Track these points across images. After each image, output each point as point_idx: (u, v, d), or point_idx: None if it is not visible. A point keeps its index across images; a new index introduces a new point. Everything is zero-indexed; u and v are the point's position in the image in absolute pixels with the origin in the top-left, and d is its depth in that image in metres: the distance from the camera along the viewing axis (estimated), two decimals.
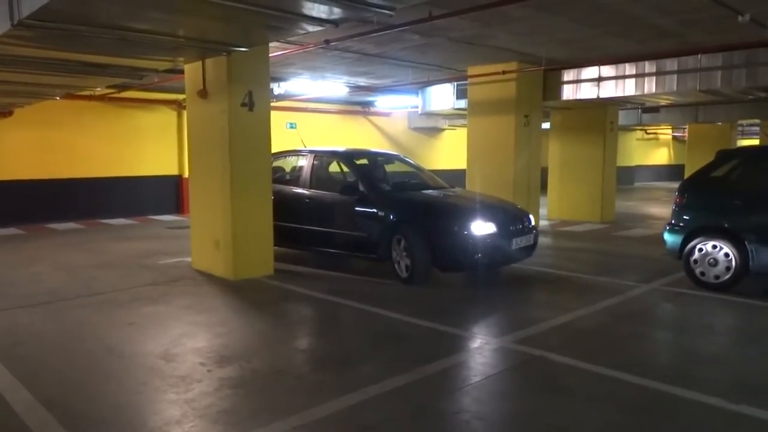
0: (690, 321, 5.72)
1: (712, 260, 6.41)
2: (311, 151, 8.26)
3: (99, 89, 11.61)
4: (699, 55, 9.14)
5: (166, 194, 14.37)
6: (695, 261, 6.53)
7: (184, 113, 10.65)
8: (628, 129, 23.72)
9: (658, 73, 9.81)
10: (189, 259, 7.93)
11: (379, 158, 8.66)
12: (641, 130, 26.12)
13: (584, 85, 10.81)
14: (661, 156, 30.94)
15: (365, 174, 7.67)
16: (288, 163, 9.00)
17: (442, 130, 19.79)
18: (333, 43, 8.06)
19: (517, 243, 6.83)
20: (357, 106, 17.56)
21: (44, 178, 12.48)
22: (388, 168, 8.49)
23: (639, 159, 28.38)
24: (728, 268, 6.30)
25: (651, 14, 7.20)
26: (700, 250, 6.49)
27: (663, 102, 13.49)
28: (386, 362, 4.40)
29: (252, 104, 6.99)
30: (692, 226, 6.63)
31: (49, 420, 3.42)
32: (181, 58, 7.03)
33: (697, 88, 9.43)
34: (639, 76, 10.05)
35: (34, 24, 4.60)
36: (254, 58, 6.83)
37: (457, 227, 6.58)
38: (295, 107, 15.67)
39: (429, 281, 6.76)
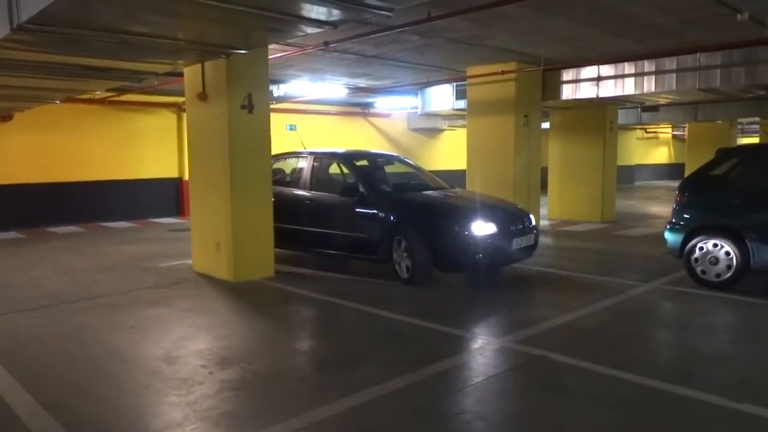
0: (691, 320, 5.71)
1: (713, 259, 6.41)
2: (311, 153, 8.26)
3: (99, 93, 11.62)
4: (698, 54, 9.14)
5: (166, 197, 14.37)
6: (696, 259, 6.53)
7: (184, 116, 10.65)
8: (627, 128, 23.71)
9: (658, 72, 9.81)
10: (190, 262, 7.93)
11: (378, 159, 8.65)
12: (641, 129, 26.11)
13: (583, 84, 10.81)
14: (661, 155, 30.93)
15: (365, 175, 7.67)
16: (288, 165, 9.01)
17: (442, 130, 19.79)
18: (332, 45, 8.07)
19: (518, 243, 6.82)
20: (357, 108, 17.57)
21: (44, 182, 12.48)
22: (389, 169, 8.50)
23: (639, 158, 28.37)
24: (729, 267, 6.30)
25: (649, 13, 7.20)
26: (701, 248, 6.49)
27: (662, 101, 13.49)
28: (388, 363, 4.40)
29: (251, 106, 6.99)
30: (693, 225, 6.63)
31: (51, 424, 3.42)
32: (181, 61, 7.03)
33: (697, 86, 9.43)
34: (638, 75, 10.05)
35: (34, 28, 4.60)
36: (253, 60, 6.84)
37: (457, 228, 6.58)
38: (294, 109, 15.67)
39: (430, 282, 6.77)
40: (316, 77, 12.05)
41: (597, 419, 3.47)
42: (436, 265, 6.70)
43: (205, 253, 7.49)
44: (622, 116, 16.00)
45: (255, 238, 7.18)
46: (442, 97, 13.35)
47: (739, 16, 6.52)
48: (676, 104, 15.48)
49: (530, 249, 7.16)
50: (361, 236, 7.17)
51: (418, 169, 8.83)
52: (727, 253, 6.30)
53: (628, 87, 10.20)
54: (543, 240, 10.55)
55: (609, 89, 10.44)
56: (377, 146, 18.51)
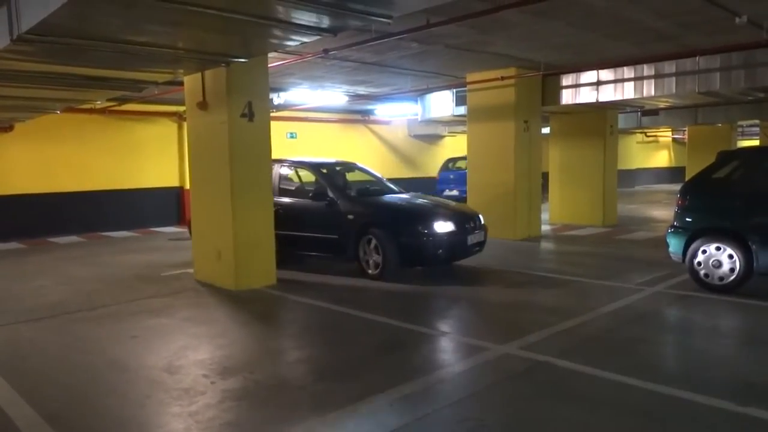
0: (695, 323, 5.69)
1: (715, 262, 6.39)
2: (278, 161, 8.49)
3: (99, 102, 11.65)
4: (697, 57, 9.15)
5: (167, 206, 14.38)
6: (699, 263, 6.50)
7: (185, 125, 10.68)
8: (627, 132, 23.73)
9: (657, 76, 9.83)
10: (191, 271, 7.92)
11: (338, 167, 9.13)
12: (641, 133, 26.12)
13: (583, 89, 10.83)
14: (661, 158, 30.95)
15: (333, 181, 8.26)
16: None
17: (443, 137, 19.81)
18: (331, 53, 8.09)
19: (472, 239, 7.64)
20: (357, 115, 17.60)
21: (45, 192, 12.50)
22: (350, 176, 9.18)
23: (640, 162, 28.39)
24: (732, 270, 6.28)
25: (647, 17, 7.21)
26: (704, 251, 6.46)
27: (662, 104, 13.51)
28: (390, 371, 4.37)
29: (252, 115, 6.99)
30: (695, 228, 6.61)
31: None
32: (181, 70, 7.05)
33: (696, 90, 9.44)
34: (638, 79, 10.07)
35: (34, 38, 4.62)
36: (253, 68, 6.85)
37: (422, 227, 7.30)
38: (295, 117, 15.71)
39: (398, 278, 7.30)
40: (316, 85, 12.08)
41: (603, 425, 3.44)
42: (402, 261, 7.32)
43: (207, 262, 7.48)
44: (622, 120, 16.03)
45: (256, 246, 7.16)
46: (442, 103, 13.38)
47: (737, 20, 6.53)
48: (675, 108, 15.50)
49: (481, 244, 7.95)
50: (331, 237, 7.78)
51: (375, 176, 9.38)
52: (730, 256, 6.28)
53: (627, 91, 10.22)
54: (545, 245, 10.57)
55: (609, 94, 10.45)
56: (378, 153, 18.57)
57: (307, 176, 8.74)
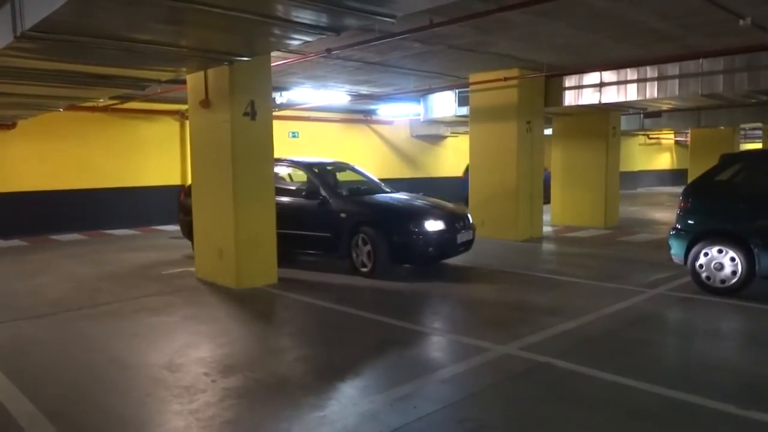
0: (697, 326, 5.68)
1: (717, 264, 6.38)
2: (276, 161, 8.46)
3: (102, 100, 11.65)
4: (701, 60, 9.14)
5: (169, 204, 14.36)
6: (701, 265, 6.50)
7: (187, 123, 10.69)
8: (630, 134, 23.71)
9: (660, 78, 9.82)
10: (193, 269, 7.92)
11: (330, 167, 9.18)
12: (644, 135, 26.10)
13: (586, 90, 10.82)
14: (663, 161, 30.90)
15: (325, 180, 8.40)
16: None
17: (445, 137, 19.79)
18: (334, 52, 8.10)
19: (461, 238, 7.79)
20: (359, 115, 17.59)
21: (48, 190, 12.51)
22: (343, 176, 9.30)
23: (642, 164, 28.35)
24: (734, 272, 6.27)
25: (650, 19, 7.20)
26: (706, 254, 6.46)
27: (665, 107, 13.48)
28: (391, 371, 4.37)
29: (254, 113, 7.00)
30: (697, 231, 6.60)
31: None
32: (184, 69, 7.04)
33: (700, 92, 9.43)
34: (641, 81, 10.06)
35: (37, 36, 4.61)
36: (256, 67, 6.85)
37: (414, 226, 7.48)
38: (297, 116, 15.71)
39: (389, 275, 7.47)
40: (319, 84, 12.08)
41: (603, 426, 3.43)
42: (393, 258, 7.49)
43: (208, 261, 7.49)
44: (625, 122, 16.01)
45: (258, 245, 7.17)
46: (445, 103, 13.37)
47: (741, 22, 6.52)
48: (678, 110, 15.48)
49: (470, 243, 8.09)
50: (324, 235, 7.95)
51: (366, 176, 9.52)
52: (732, 259, 6.27)
53: (630, 93, 10.20)
54: (546, 246, 10.56)
55: (611, 95, 10.44)
56: (380, 153, 18.56)
57: (301, 175, 8.84)
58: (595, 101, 10.70)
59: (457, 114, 13.07)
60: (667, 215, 15.10)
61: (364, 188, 8.92)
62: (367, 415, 3.56)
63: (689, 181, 10.50)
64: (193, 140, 7.70)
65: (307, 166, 8.64)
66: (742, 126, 19.28)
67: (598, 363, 4.40)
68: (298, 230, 8.08)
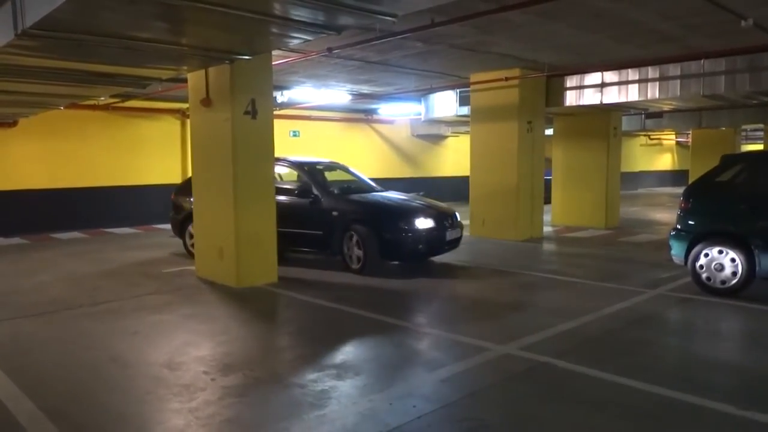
0: (697, 326, 5.68)
1: (718, 265, 6.37)
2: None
3: (103, 99, 11.66)
4: (702, 60, 9.13)
5: (170, 203, 14.36)
6: (701, 266, 6.49)
7: (188, 122, 10.69)
8: (631, 135, 23.70)
9: (661, 79, 9.80)
10: (193, 268, 7.92)
11: (320, 166, 9.22)
12: (645, 135, 26.09)
13: (587, 91, 10.81)
14: (665, 161, 30.89)
15: (317, 179, 8.54)
16: None
17: (446, 137, 19.80)
18: (335, 51, 8.09)
19: (450, 235, 8.01)
20: (360, 114, 17.60)
21: (48, 188, 12.52)
22: (334, 175, 9.41)
23: (643, 164, 28.33)
24: (734, 273, 6.26)
25: (652, 19, 7.19)
26: (706, 255, 6.45)
27: (666, 107, 13.47)
28: (391, 370, 4.37)
29: (255, 112, 7.00)
30: (698, 231, 6.60)
31: (53, 431, 3.41)
32: (185, 67, 7.05)
33: (701, 93, 9.41)
34: (642, 81, 10.04)
35: (38, 33, 4.61)
36: (257, 66, 6.85)
37: (404, 224, 7.69)
38: (298, 115, 15.71)
39: (379, 271, 7.66)
40: (320, 83, 12.08)
41: (602, 426, 3.43)
42: (384, 255, 7.68)
43: (209, 259, 7.49)
44: (626, 123, 15.99)
45: (258, 244, 7.17)
46: (446, 103, 13.37)
47: (743, 23, 6.51)
48: (679, 111, 15.46)
49: (457, 241, 8.32)
50: (316, 233, 8.08)
51: (357, 175, 9.65)
52: (732, 260, 6.27)
53: (632, 93, 10.19)
54: (547, 246, 10.55)
55: (613, 96, 10.43)
56: (380, 153, 18.57)
57: (293, 174, 8.90)
58: (597, 101, 10.69)
59: (458, 114, 13.06)
60: (667, 216, 15.09)
61: (355, 187, 9.05)
62: (366, 414, 3.56)
63: (690, 181, 10.50)
64: (194, 139, 7.71)
65: (299, 165, 8.72)
66: (744, 127, 19.28)
67: (598, 363, 4.40)
68: (291, 228, 8.09)
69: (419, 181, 18.86)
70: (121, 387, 4.06)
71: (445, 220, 8.01)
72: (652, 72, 9.89)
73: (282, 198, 8.32)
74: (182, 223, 9.26)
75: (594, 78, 10.64)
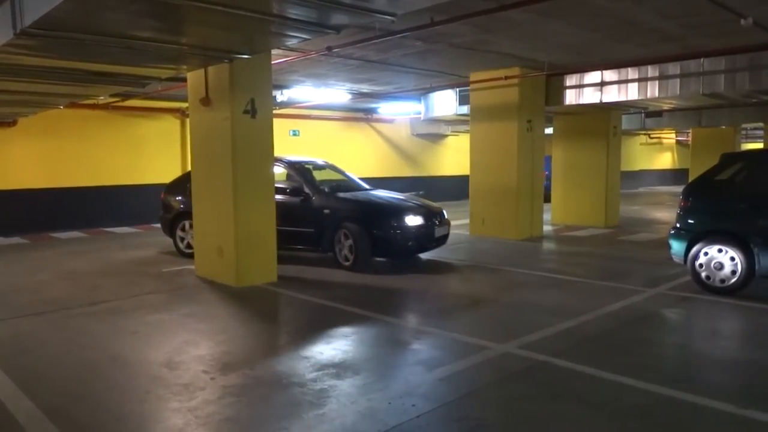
0: (696, 325, 5.68)
1: (717, 264, 6.37)
2: None
3: (102, 98, 11.65)
4: (702, 59, 9.12)
5: None
6: (701, 265, 6.49)
7: (188, 121, 10.68)
8: (631, 133, 23.69)
9: (661, 77, 9.80)
10: (193, 267, 7.92)
11: (309, 165, 9.28)
12: (645, 134, 26.08)
13: (587, 89, 10.81)
14: (665, 160, 30.89)
15: (308, 178, 8.67)
16: None
17: (445, 136, 19.79)
18: (335, 50, 8.08)
19: (438, 232, 8.24)
20: (360, 113, 17.59)
21: (48, 187, 12.51)
22: (323, 174, 9.45)
23: (643, 163, 28.34)
24: (734, 272, 6.27)
25: (651, 18, 7.19)
26: (706, 253, 6.45)
27: (666, 106, 13.47)
28: (390, 369, 4.37)
29: (254, 111, 6.99)
30: (697, 230, 6.60)
31: (52, 430, 3.41)
32: (184, 66, 7.04)
33: (701, 91, 9.41)
34: (642, 80, 10.04)
35: (37, 33, 4.61)
36: (256, 65, 6.85)
37: (394, 221, 7.89)
38: (298, 114, 15.70)
39: (369, 268, 7.83)
40: (320, 82, 12.08)
41: (602, 425, 3.43)
42: (374, 252, 7.88)
43: (208, 258, 7.48)
44: (626, 122, 15.99)
45: (258, 243, 7.17)
46: (446, 102, 13.36)
47: (742, 21, 6.50)
48: (679, 110, 15.46)
49: (445, 237, 8.58)
50: (308, 231, 8.25)
51: (346, 174, 9.77)
52: (732, 259, 6.27)
53: (631, 92, 10.19)
54: (547, 245, 10.55)
55: (612, 94, 10.43)
56: (380, 152, 18.56)
57: (285, 173, 8.91)
58: (596, 100, 10.69)
59: (458, 113, 13.05)
60: (667, 215, 15.08)
61: (345, 186, 9.19)
62: (365, 414, 3.56)
63: (690, 180, 10.49)
64: (194, 138, 7.70)
65: (290, 165, 8.80)
66: (744, 126, 19.28)
67: (597, 362, 4.40)
68: (283, 226, 8.07)
69: (419, 180, 18.86)
70: (120, 386, 4.06)
71: (433, 217, 8.22)
72: (651, 71, 9.88)
73: (275, 197, 8.36)
74: (172, 222, 9.28)
75: (594, 77, 10.64)
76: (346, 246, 7.93)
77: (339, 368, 4.36)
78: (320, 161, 9.84)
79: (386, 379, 4.11)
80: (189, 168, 10.91)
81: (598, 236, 11.50)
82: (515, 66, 10.34)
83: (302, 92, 12.69)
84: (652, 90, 9.94)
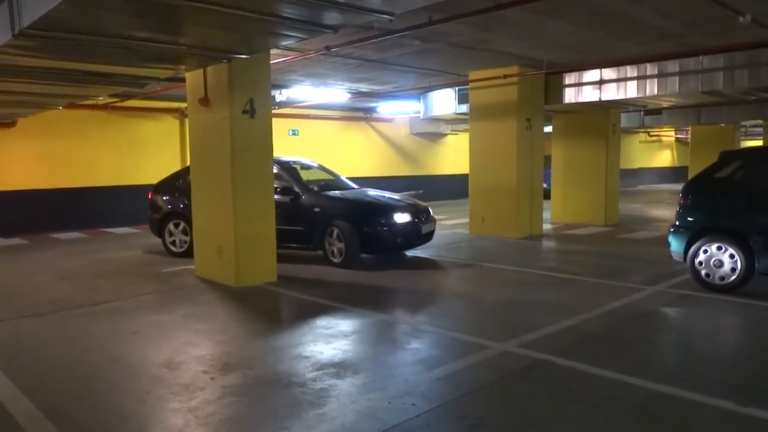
0: (696, 323, 5.68)
1: (717, 262, 6.37)
2: None
3: (101, 98, 11.65)
4: (701, 57, 9.12)
5: None
6: (700, 262, 6.49)
7: (187, 121, 10.68)
8: (630, 131, 23.70)
9: (660, 75, 9.80)
10: (192, 267, 7.92)
11: (293, 164, 9.34)
12: (644, 132, 26.07)
13: (586, 88, 10.81)
14: (664, 158, 30.89)
15: (298, 177, 8.82)
16: None
17: (445, 135, 19.80)
18: (334, 50, 8.08)
19: (424, 229, 8.50)
20: (359, 112, 17.60)
21: (48, 188, 12.51)
22: (312, 174, 9.62)
23: (642, 161, 28.34)
24: (733, 270, 6.27)
25: (650, 16, 7.18)
26: (705, 251, 6.45)
27: (665, 104, 13.47)
28: (389, 368, 4.37)
29: (253, 111, 6.99)
30: (697, 228, 6.60)
31: (52, 430, 3.41)
32: (183, 66, 7.04)
33: (700, 89, 9.41)
34: (641, 78, 10.04)
35: (35, 33, 4.61)
36: (255, 65, 6.84)
37: (383, 218, 8.11)
38: (297, 114, 15.70)
39: (359, 264, 8.05)
40: (319, 82, 12.07)
41: (602, 424, 3.43)
42: (363, 249, 8.07)
43: (208, 259, 7.48)
44: (625, 120, 15.99)
45: (257, 243, 7.17)
46: (445, 101, 13.35)
47: (741, 19, 6.51)
48: (678, 107, 15.45)
49: (431, 234, 8.84)
50: (298, 229, 8.39)
51: (333, 173, 9.96)
52: (732, 256, 6.27)
53: (630, 90, 10.19)
54: (546, 244, 10.55)
55: (611, 93, 10.43)
56: (380, 151, 18.56)
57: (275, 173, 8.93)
58: (595, 98, 10.68)
59: (457, 111, 13.05)
60: (667, 212, 15.09)
61: (333, 185, 9.38)
62: (365, 413, 3.57)
63: (689, 178, 10.49)
64: (192, 138, 7.70)
65: (280, 164, 8.79)
66: (743, 123, 19.26)
67: (597, 360, 4.40)
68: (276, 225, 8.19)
69: (418, 179, 18.86)
70: (120, 386, 4.06)
71: (420, 215, 8.49)
72: (650, 69, 9.88)
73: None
74: (160, 222, 9.29)
75: (593, 75, 10.64)
76: (336, 243, 8.10)
77: (339, 368, 4.36)
78: (308, 161, 9.94)
79: (386, 379, 4.11)
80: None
81: (597, 234, 11.51)
82: (514, 65, 10.34)
83: (301, 92, 12.68)
84: (651, 88, 9.94)
